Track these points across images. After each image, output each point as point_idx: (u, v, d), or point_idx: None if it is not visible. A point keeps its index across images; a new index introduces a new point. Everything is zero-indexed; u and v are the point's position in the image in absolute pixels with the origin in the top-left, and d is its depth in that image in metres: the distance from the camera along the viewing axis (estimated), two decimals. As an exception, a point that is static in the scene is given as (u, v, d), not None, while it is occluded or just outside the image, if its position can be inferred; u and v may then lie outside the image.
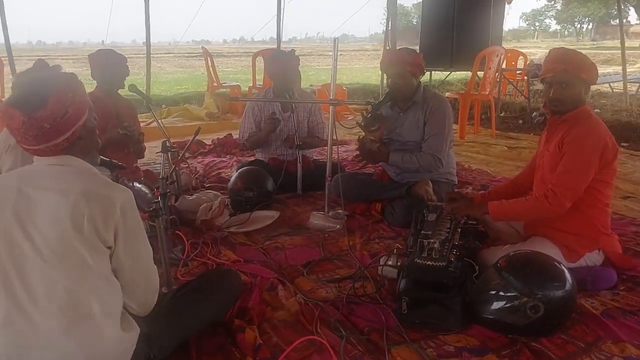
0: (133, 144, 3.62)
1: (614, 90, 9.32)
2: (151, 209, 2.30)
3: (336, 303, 2.40)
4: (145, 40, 8.31)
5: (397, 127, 3.58)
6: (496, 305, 2.12)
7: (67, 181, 1.62)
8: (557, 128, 2.54)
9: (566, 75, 2.43)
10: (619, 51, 8.37)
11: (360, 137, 3.59)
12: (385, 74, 3.60)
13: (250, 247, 3.08)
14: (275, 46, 9.16)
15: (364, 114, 3.45)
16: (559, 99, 2.48)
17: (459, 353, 2.03)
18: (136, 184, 3.10)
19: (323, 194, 3.51)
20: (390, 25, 8.68)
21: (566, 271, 2.16)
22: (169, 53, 29.44)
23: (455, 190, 3.61)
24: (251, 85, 8.47)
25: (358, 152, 3.58)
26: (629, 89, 8.56)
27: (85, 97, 1.68)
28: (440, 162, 3.45)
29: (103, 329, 1.61)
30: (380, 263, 2.65)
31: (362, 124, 3.48)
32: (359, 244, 3.09)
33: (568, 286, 2.10)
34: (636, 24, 40.83)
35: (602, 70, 14.66)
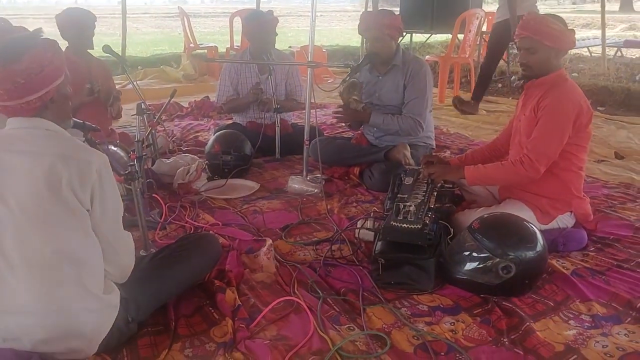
0: (111, 101, 3.53)
1: (593, 54, 9.36)
2: (127, 172, 2.28)
3: (313, 265, 2.43)
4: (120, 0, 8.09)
5: (376, 90, 3.56)
6: (469, 266, 2.17)
7: (42, 145, 1.60)
8: (534, 92, 2.56)
9: (531, 42, 2.47)
10: (599, 15, 8.36)
11: (343, 88, 3.52)
12: (363, 37, 3.55)
13: (229, 210, 3.08)
14: (253, 6, 8.98)
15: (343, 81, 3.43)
16: (525, 64, 2.52)
17: (432, 312, 2.08)
18: (111, 147, 3.06)
19: (301, 158, 3.51)
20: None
21: (538, 233, 2.21)
22: (145, 13, 28.69)
23: (433, 153, 3.63)
24: (228, 46, 8.32)
25: (340, 111, 3.54)
26: (607, 53, 8.60)
27: (63, 63, 1.68)
28: (421, 126, 3.46)
29: (84, 291, 1.61)
30: (358, 226, 2.68)
31: (342, 90, 3.47)
32: (336, 208, 3.12)
33: (539, 247, 2.15)
34: (617, -13, 40.73)
35: (581, 34, 14.69)
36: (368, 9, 8.66)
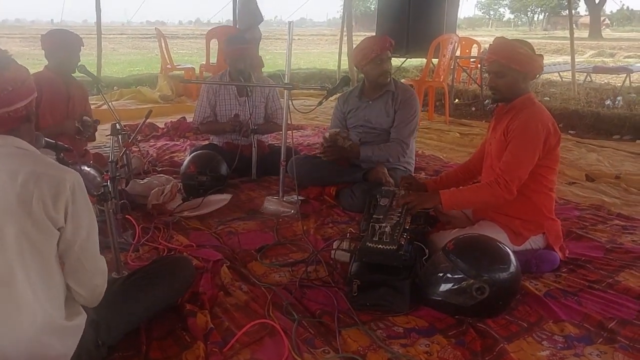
0: (86, 131, 3.51)
1: (563, 79, 9.59)
2: (100, 192, 2.24)
3: (289, 287, 2.41)
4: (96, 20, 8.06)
5: (366, 114, 3.66)
6: (444, 287, 2.18)
7: (15, 162, 1.56)
8: (503, 116, 2.61)
9: (498, 65, 2.53)
10: (569, 41, 8.61)
11: (329, 133, 3.59)
12: (365, 64, 3.56)
13: (203, 232, 3.05)
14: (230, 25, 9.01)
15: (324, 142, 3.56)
16: (494, 87, 2.59)
17: (407, 334, 2.07)
18: (84, 167, 3.02)
19: (278, 178, 3.50)
20: (346, 11, 8.69)
21: (511, 254, 2.23)
22: (122, 34, 28.65)
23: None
24: (203, 62, 8.29)
25: (326, 149, 3.55)
26: (577, 78, 8.83)
27: (33, 83, 1.69)
28: (407, 146, 3.59)
29: (44, 318, 1.56)
30: (333, 247, 2.67)
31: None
32: (312, 229, 3.11)
33: (512, 268, 2.17)
34: (585, 15, 42.12)
35: (552, 59, 15.09)
36: (344, 34, 8.77)
